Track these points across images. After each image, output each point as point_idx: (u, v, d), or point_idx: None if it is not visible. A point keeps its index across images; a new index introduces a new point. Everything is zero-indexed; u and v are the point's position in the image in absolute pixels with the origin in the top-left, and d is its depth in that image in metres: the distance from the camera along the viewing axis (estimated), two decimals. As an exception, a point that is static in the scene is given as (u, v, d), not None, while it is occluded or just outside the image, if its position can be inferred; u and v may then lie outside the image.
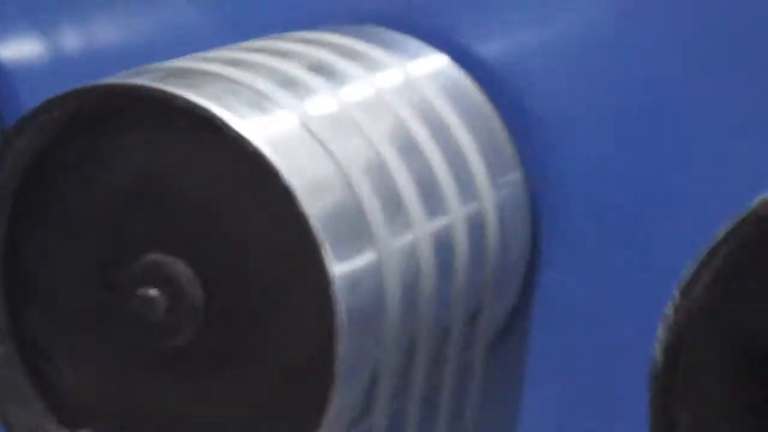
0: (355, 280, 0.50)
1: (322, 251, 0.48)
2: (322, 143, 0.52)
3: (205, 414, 0.52)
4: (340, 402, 0.49)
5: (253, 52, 0.58)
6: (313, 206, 0.49)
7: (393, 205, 0.54)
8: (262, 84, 0.53)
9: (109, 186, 0.52)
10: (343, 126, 0.55)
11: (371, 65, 0.61)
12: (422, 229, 0.55)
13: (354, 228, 0.51)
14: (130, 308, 0.50)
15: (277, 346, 0.51)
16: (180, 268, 0.51)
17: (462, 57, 0.66)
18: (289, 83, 0.55)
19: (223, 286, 0.51)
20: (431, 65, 0.65)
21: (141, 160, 0.52)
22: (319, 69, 0.58)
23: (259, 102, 0.52)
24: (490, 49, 0.66)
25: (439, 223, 0.57)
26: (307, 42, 0.62)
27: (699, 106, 0.62)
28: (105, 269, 0.52)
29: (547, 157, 0.65)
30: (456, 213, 0.58)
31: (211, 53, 0.57)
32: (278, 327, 0.51)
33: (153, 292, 0.50)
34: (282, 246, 0.50)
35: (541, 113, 0.65)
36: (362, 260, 0.51)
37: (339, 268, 0.48)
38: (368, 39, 0.64)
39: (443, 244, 0.56)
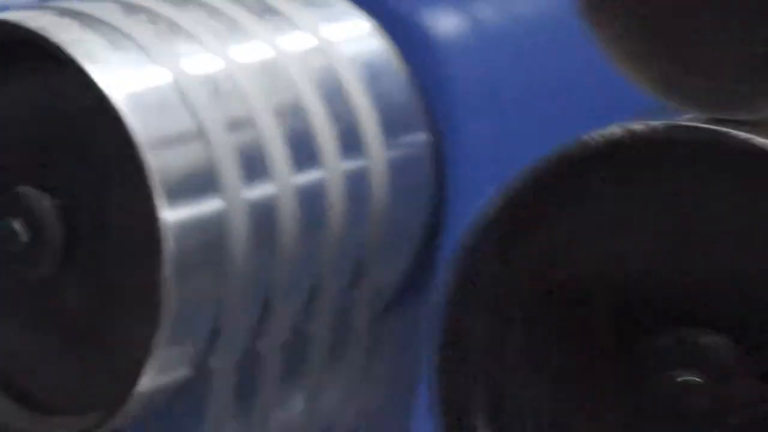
0: (192, 227, 0.52)
1: (156, 199, 0.51)
2: (186, 100, 0.54)
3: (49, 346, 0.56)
4: (166, 348, 0.52)
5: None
6: (157, 157, 0.51)
7: (254, 159, 0.56)
8: (145, 37, 0.56)
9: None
10: (220, 84, 0.57)
11: (281, 24, 0.63)
12: (286, 182, 0.57)
13: (200, 179, 0.53)
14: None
15: (123, 290, 0.55)
16: (45, 203, 0.54)
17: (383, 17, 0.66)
18: (180, 37, 0.57)
19: (83, 225, 0.55)
20: (347, 27, 0.66)
21: (20, 98, 0.56)
22: (221, 25, 0.60)
23: (134, 56, 0.55)
24: (411, 12, 0.66)
25: (309, 177, 0.58)
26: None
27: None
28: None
29: (458, 121, 0.66)
30: (333, 169, 0.59)
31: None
32: (125, 272, 0.54)
33: (16, 223, 0.54)
34: (131, 194, 0.53)
35: (456, 80, 0.66)
36: (203, 209, 0.53)
37: (172, 214, 0.51)
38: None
39: (312, 199, 0.58)
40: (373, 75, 0.64)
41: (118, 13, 0.58)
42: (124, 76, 0.54)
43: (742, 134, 0.39)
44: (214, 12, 0.62)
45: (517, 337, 0.46)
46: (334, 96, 0.61)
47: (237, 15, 0.62)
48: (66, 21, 0.55)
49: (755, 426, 0.41)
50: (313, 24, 0.64)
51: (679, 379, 0.41)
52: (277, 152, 0.57)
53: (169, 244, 0.51)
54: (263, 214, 0.56)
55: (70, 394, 0.56)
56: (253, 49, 0.61)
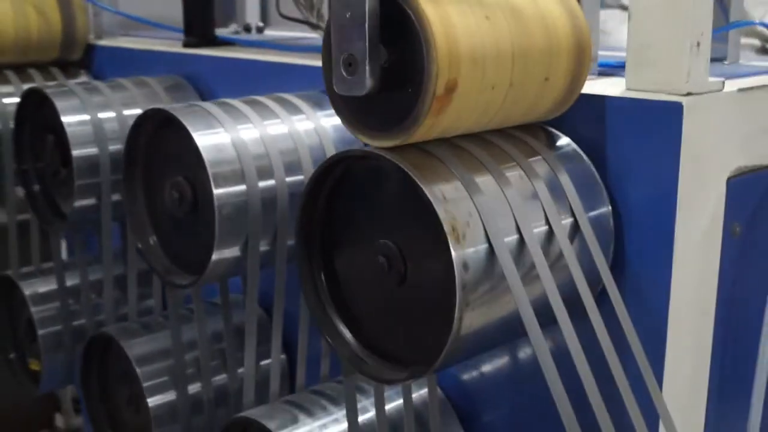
0: (229, 200, 1.20)
1: (212, 185, 1.20)
2: (234, 144, 1.23)
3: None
4: (220, 255, 1.20)
5: (241, 102, 1.31)
6: (216, 167, 1.20)
7: (266, 170, 1.23)
8: (223, 118, 1.26)
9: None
10: (254, 141, 1.25)
11: (296, 111, 1.31)
12: (281, 181, 1.23)
13: (238, 176, 1.21)
14: None
15: (204, 221, 1.24)
16: (187, 186, 1.26)
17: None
18: (239, 116, 1.27)
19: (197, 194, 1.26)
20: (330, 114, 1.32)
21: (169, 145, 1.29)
22: (264, 111, 1.30)
23: (213, 124, 1.25)
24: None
25: (294, 179, 1.25)
26: (277, 99, 1.33)
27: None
28: None
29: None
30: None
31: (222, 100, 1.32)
32: (207, 215, 1.24)
33: (174, 192, 1.27)
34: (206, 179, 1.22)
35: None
36: (237, 190, 1.21)
37: (221, 192, 1.19)
38: (307, 99, 1.34)
39: (295, 192, 1.24)
40: (338, 135, 1.30)
41: (215, 106, 1.29)
42: (211, 135, 1.24)
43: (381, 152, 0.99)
44: (262, 106, 1.32)
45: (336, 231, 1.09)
46: (318, 149, 1.28)
47: (274, 108, 1.31)
48: (194, 109, 1.27)
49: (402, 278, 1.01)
50: (314, 114, 1.32)
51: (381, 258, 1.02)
52: (280, 168, 1.24)
53: (218, 202, 1.19)
54: (268, 195, 1.23)
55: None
56: (279, 126, 1.29)
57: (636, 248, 1.08)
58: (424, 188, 0.95)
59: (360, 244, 1.06)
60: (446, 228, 0.93)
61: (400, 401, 1.23)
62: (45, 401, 2.57)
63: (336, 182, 1.07)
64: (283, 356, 1.46)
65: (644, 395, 1.02)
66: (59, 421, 2.58)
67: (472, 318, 0.95)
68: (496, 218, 0.97)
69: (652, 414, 1.03)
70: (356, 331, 1.08)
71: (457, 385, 1.32)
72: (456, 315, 0.93)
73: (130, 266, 1.53)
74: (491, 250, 0.96)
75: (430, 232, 0.95)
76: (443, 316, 0.95)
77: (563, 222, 1.03)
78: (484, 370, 1.30)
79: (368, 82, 0.94)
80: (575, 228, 1.04)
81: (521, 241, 0.98)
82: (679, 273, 1.06)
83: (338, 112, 1.01)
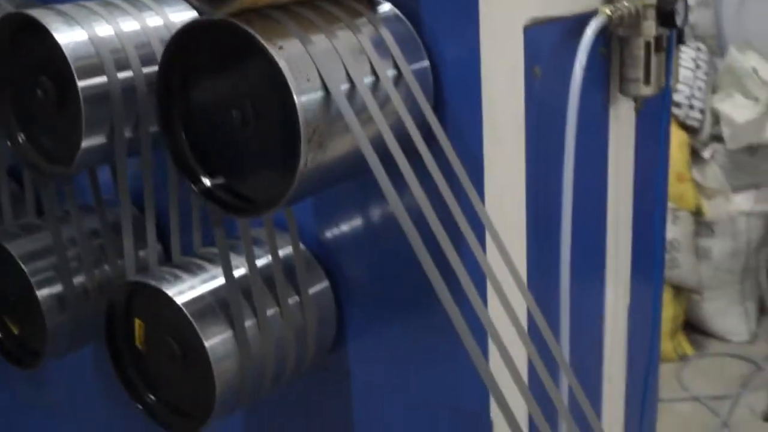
0: (92, 91, 1.32)
1: (68, 68, 1.31)
2: (92, 40, 1.35)
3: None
4: (89, 143, 1.32)
5: (94, 3, 1.42)
6: (79, 62, 1.32)
7: (123, 63, 1.35)
8: (78, 14, 1.37)
9: None
10: (108, 32, 1.37)
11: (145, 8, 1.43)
12: (138, 71, 1.36)
13: (98, 68, 1.33)
14: None
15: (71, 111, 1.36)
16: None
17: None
18: (93, 15, 1.38)
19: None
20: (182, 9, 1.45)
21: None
22: (116, 11, 1.41)
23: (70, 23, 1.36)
24: None
25: (151, 70, 1.38)
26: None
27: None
28: None
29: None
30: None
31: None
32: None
33: None
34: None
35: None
36: (99, 81, 1.33)
37: (84, 84, 1.31)
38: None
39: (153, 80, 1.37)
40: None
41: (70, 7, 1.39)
42: (70, 32, 1.35)
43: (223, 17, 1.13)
44: (114, 6, 1.43)
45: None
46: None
47: (126, 7, 1.43)
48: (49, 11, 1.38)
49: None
50: (162, 10, 1.44)
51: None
52: (135, 61, 1.36)
53: (82, 93, 1.31)
54: (127, 88, 1.35)
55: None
56: (131, 23, 1.41)
57: (453, 97, 1.27)
58: (264, 43, 1.10)
59: (216, 102, 1.21)
60: (287, 75, 1.09)
61: (269, 258, 1.40)
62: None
63: (190, 54, 1.21)
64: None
65: (474, 217, 1.22)
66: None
67: (315, 154, 1.12)
68: (330, 67, 1.14)
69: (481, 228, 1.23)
70: (220, 183, 1.24)
71: (320, 243, 1.49)
72: (301, 149, 1.10)
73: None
74: (328, 95, 1.13)
75: (275, 83, 1.10)
76: (291, 155, 1.11)
77: (388, 73, 1.20)
78: (342, 227, 1.48)
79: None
80: (399, 77, 1.21)
81: (353, 87, 1.15)
82: (489, 111, 1.26)
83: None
